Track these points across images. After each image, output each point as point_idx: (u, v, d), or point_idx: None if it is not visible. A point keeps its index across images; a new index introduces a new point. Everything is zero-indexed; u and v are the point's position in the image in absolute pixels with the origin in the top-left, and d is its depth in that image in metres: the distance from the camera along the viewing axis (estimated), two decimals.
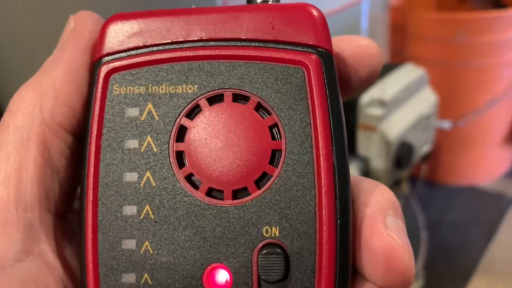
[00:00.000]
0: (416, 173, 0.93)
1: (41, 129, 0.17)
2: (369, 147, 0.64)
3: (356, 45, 0.18)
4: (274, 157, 0.16)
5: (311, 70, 0.16)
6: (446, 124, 1.10)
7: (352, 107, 0.62)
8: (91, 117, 0.17)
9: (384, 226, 0.15)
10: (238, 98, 0.17)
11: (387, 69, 0.69)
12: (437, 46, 1.19)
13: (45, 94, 0.17)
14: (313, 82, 0.16)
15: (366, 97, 0.62)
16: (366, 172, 0.66)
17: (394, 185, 0.69)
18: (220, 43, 0.17)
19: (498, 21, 1.14)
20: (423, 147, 0.72)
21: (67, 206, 0.18)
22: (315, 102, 0.16)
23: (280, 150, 0.16)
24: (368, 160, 0.65)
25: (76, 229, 0.18)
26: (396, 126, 0.64)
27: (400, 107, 0.65)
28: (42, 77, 0.18)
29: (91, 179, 0.17)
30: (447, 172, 1.39)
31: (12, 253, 0.16)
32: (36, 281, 0.16)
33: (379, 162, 0.64)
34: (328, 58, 0.17)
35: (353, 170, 0.66)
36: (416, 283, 0.91)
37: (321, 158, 0.16)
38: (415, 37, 1.20)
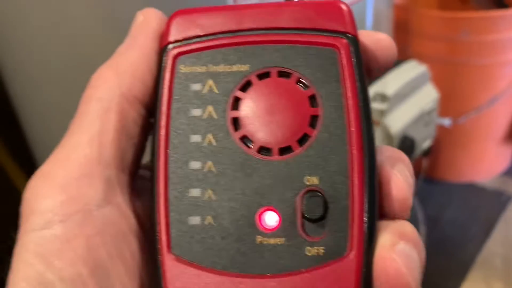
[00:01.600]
0: (415, 169, 0.95)
1: (120, 101, 0.20)
2: None
3: (376, 37, 0.21)
4: (313, 121, 0.20)
5: (342, 51, 0.20)
6: (446, 121, 1.11)
7: None
8: (160, 91, 0.21)
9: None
10: (282, 74, 0.20)
11: None
12: (440, 44, 1.20)
13: (123, 72, 0.21)
14: (343, 60, 0.20)
15: (369, 91, 0.63)
16: None
17: None
18: (267, 31, 0.21)
19: (501, 20, 1.15)
20: (424, 142, 0.73)
21: (137, 167, 0.22)
22: (345, 76, 0.20)
23: (318, 116, 0.20)
24: None
25: (142, 187, 0.21)
26: (398, 120, 0.65)
27: (403, 102, 0.66)
28: (118, 59, 0.21)
29: (162, 140, 0.20)
30: (447, 169, 1.40)
31: (96, 200, 0.19)
32: (114, 224, 0.19)
33: None
34: (355, 42, 0.20)
35: None
36: None
37: (351, 121, 0.19)
38: (418, 35, 1.21)
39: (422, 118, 0.69)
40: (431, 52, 1.20)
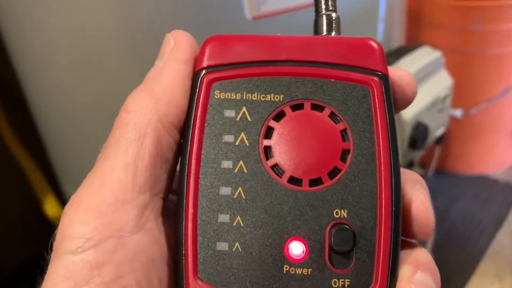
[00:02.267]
0: (428, 158, 0.93)
1: (156, 127, 0.20)
2: None
3: (399, 74, 0.22)
4: (343, 155, 0.20)
5: (374, 89, 0.21)
6: (458, 112, 1.10)
7: None
8: (193, 115, 0.21)
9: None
10: (315, 107, 0.21)
11: (405, 51, 0.69)
12: (452, 33, 1.19)
13: (159, 98, 0.21)
14: (376, 98, 0.20)
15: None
16: None
17: (407, 167, 0.70)
18: (302, 64, 0.21)
19: None
20: (437, 130, 0.72)
21: (170, 191, 0.22)
22: (377, 114, 0.20)
23: (349, 150, 0.20)
24: None
25: (173, 211, 0.21)
26: (412, 106, 0.64)
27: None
28: (153, 84, 0.21)
29: (193, 164, 0.20)
30: (458, 161, 1.39)
31: (129, 227, 0.19)
32: (145, 251, 0.19)
33: None
34: (386, 81, 0.21)
35: None
36: None
37: (381, 158, 0.20)
38: (431, 24, 1.20)
39: (436, 105, 0.68)
40: (443, 41, 1.19)
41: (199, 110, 0.21)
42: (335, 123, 0.21)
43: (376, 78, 0.21)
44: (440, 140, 0.74)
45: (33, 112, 0.78)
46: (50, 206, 0.89)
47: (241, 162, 0.20)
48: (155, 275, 0.19)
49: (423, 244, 1.05)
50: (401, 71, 0.22)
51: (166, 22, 0.56)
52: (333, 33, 0.23)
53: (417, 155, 0.71)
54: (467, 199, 1.31)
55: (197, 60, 0.22)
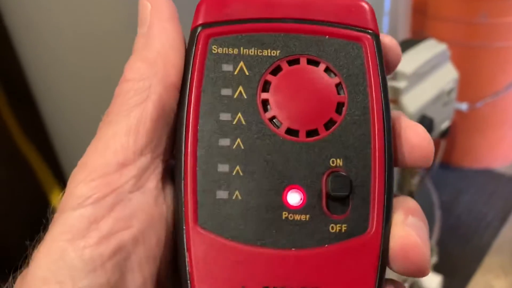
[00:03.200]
0: None
1: (157, 90, 0.20)
2: None
3: (385, 39, 0.23)
4: (338, 108, 0.21)
5: (367, 45, 0.22)
6: (463, 106, 1.10)
7: None
8: (191, 70, 0.21)
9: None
10: (311, 62, 0.22)
11: (410, 43, 0.69)
12: (458, 26, 1.18)
13: (155, 62, 0.21)
14: (368, 54, 0.21)
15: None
16: None
17: None
18: (297, 21, 0.22)
19: None
20: (442, 123, 0.72)
21: (171, 152, 0.22)
22: (370, 69, 0.21)
23: (343, 103, 0.21)
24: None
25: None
26: (417, 99, 0.64)
27: (422, 81, 0.65)
28: (144, 51, 0.22)
29: (191, 116, 0.21)
30: (463, 155, 1.38)
31: (128, 186, 0.19)
32: (143, 210, 0.20)
33: None
34: (377, 38, 0.22)
35: None
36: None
37: (374, 111, 0.21)
38: (436, 17, 1.19)
39: (441, 98, 0.68)
40: (448, 35, 1.18)
41: (197, 65, 0.21)
42: (330, 77, 0.21)
43: (368, 36, 0.22)
44: (445, 134, 0.73)
45: (40, 107, 0.78)
46: (57, 200, 0.90)
47: (239, 114, 0.21)
48: (153, 233, 0.20)
49: (429, 235, 1.05)
50: (385, 36, 0.23)
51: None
52: None
53: None
54: (473, 193, 1.31)
55: (194, 17, 0.22)
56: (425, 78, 0.66)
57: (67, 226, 0.19)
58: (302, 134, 0.21)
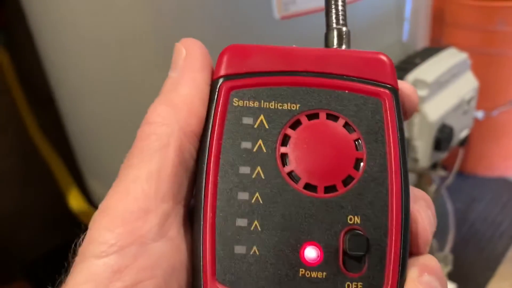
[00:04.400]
0: (451, 160, 0.93)
1: (178, 136, 0.21)
2: (410, 128, 0.65)
3: (403, 86, 0.23)
4: (357, 164, 0.21)
5: (386, 101, 0.22)
6: (479, 114, 1.09)
7: None
8: (212, 122, 0.21)
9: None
10: (330, 117, 0.22)
11: (431, 52, 0.69)
12: (475, 34, 1.17)
13: (179, 108, 0.21)
14: (387, 110, 0.22)
15: (409, 78, 0.62)
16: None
17: (432, 168, 0.70)
18: (317, 75, 0.22)
19: None
20: (461, 132, 0.72)
21: (191, 196, 0.22)
22: (389, 125, 0.21)
23: (362, 159, 0.21)
24: (408, 141, 0.66)
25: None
26: (437, 108, 0.64)
27: (442, 89, 0.65)
28: (171, 95, 0.22)
29: (212, 169, 0.21)
30: (478, 163, 1.38)
31: (151, 234, 0.19)
32: (166, 258, 0.20)
33: (419, 143, 0.65)
34: (396, 94, 0.22)
35: None
36: (444, 268, 0.92)
37: (392, 168, 0.21)
38: (453, 25, 1.19)
39: (461, 107, 0.68)
40: (466, 42, 1.18)
41: (218, 117, 0.21)
42: (349, 132, 0.21)
43: (387, 91, 0.22)
44: (464, 142, 0.73)
45: (59, 107, 0.79)
46: (73, 200, 0.91)
47: (258, 168, 0.21)
48: (175, 281, 0.20)
49: (442, 244, 1.05)
50: (403, 83, 0.23)
51: (194, 20, 0.57)
52: (344, 47, 0.24)
53: (441, 156, 0.71)
54: (487, 201, 1.30)
55: (215, 68, 0.22)
56: (445, 86, 0.66)
57: (90, 275, 0.19)
58: (321, 190, 0.21)
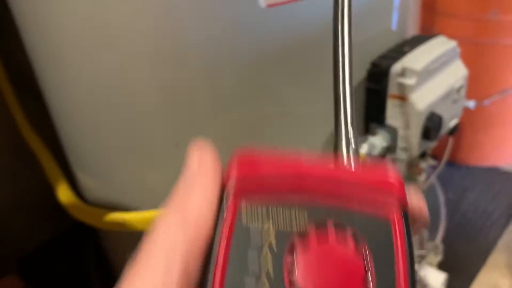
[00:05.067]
0: (440, 149, 0.93)
1: (185, 250, 0.21)
2: (398, 117, 0.64)
3: (413, 202, 0.24)
4: (366, 286, 0.21)
5: (396, 223, 0.22)
6: (470, 103, 1.09)
7: (383, 76, 0.62)
8: (219, 239, 0.21)
9: None
10: (339, 238, 0.21)
11: (420, 40, 0.68)
12: (467, 23, 1.17)
13: (189, 219, 0.21)
14: (397, 232, 0.21)
15: (397, 66, 0.62)
16: (394, 142, 0.66)
17: (420, 157, 0.69)
18: (328, 196, 0.22)
19: None
20: (451, 121, 0.72)
21: None
22: (398, 246, 0.21)
23: (371, 281, 0.21)
24: (396, 130, 0.65)
25: None
26: (426, 96, 0.63)
27: (431, 78, 0.64)
28: (183, 204, 0.22)
29: (217, 283, 0.21)
30: (469, 152, 1.38)
31: None
32: None
33: (407, 132, 0.64)
34: (406, 214, 0.22)
35: (381, 140, 0.67)
36: (435, 257, 0.92)
37: None
38: (445, 14, 1.18)
39: (450, 96, 0.68)
40: (458, 32, 1.17)
41: (225, 236, 0.21)
42: (358, 254, 0.21)
43: (397, 213, 0.22)
44: (453, 131, 0.73)
45: (46, 99, 0.78)
46: (62, 193, 0.90)
47: (264, 282, 0.21)
48: None
49: (434, 234, 1.05)
50: (415, 199, 0.24)
51: (179, 11, 0.56)
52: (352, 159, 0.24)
53: (430, 145, 0.70)
54: (479, 191, 1.31)
55: (226, 175, 0.23)
56: (434, 75, 0.65)
57: None
58: None
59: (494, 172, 1.37)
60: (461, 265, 1.08)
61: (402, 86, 0.62)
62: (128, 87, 0.62)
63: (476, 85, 1.19)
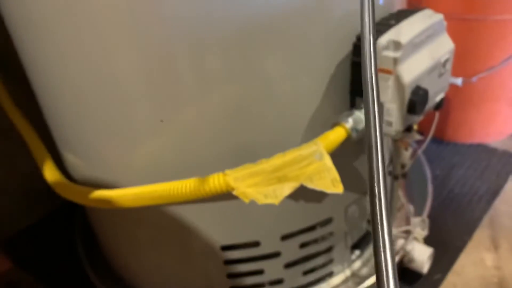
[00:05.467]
0: (426, 124, 0.93)
1: None
2: (384, 91, 0.64)
3: None
4: None
5: None
6: (458, 80, 1.09)
7: None
8: None
9: None
10: None
11: (406, 13, 0.67)
12: None
13: None
14: None
15: (383, 39, 0.61)
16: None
17: (406, 131, 0.69)
18: None
19: None
20: (437, 95, 0.72)
21: None
22: None
23: None
24: (382, 104, 0.65)
25: None
26: (412, 70, 0.63)
27: (417, 51, 0.64)
28: None
29: None
30: (457, 129, 1.38)
31: None
32: None
33: (393, 106, 0.64)
34: None
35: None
36: (421, 232, 0.93)
37: None
38: None
39: (436, 69, 0.67)
40: (446, 7, 1.16)
41: None
42: None
43: None
44: (439, 106, 0.73)
45: (31, 81, 0.77)
46: (48, 171, 0.89)
47: None
48: None
49: (420, 209, 1.06)
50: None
51: None
52: None
53: (416, 120, 0.70)
54: (467, 167, 1.32)
55: None
56: (420, 48, 0.65)
57: None
58: None
59: (482, 149, 1.38)
60: (447, 240, 1.10)
61: (387, 59, 0.62)
62: (112, 66, 0.62)
63: (464, 62, 1.18)
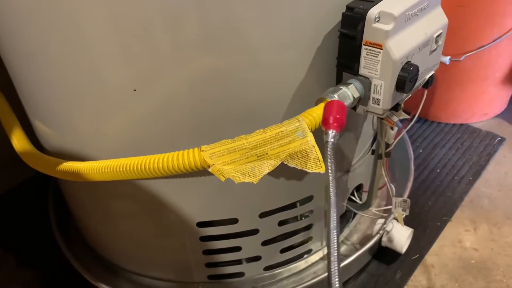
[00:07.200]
0: (415, 101, 0.90)
1: None
2: (373, 66, 0.60)
3: None
4: None
5: None
6: (446, 59, 1.06)
7: (359, 21, 0.58)
8: None
9: None
10: None
11: None
12: None
13: None
14: None
15: (374, 10, 0.57)
16: (367, 93, 0.63)
17: (393, 109, 0.66)
18: None
19: None
20: (428, 73, 0.68)
21: None
22: None
23: None
24: (370, 81, 0.62)
25: None
26: (403, 44, 0.59)
27: (410, 25, 0.60)
28: None
29: None
30: (441, 108, 1.37)
31: None
32: None
33: (382, 82, 0.61)
34: None
35: (354, 90, 0.63)
36: (402, 213, 0.91)
37: None
38: None
39: (428, 45, 0.64)
40: None
41: None
42: None
43: None
44: (429, 84, 0.70)
45: (1, 49, 0.72)
46: (16, 140, 0.85)
47: None
48: None
49: (401, 190, 1.04)
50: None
51: None
52: None
53: (404, 98, 0.67)
54: (449, 147, 1.30)
55: None
56: (413, 21, 0.61)
57: None
58: None
59: (466, 129, 1.37)
60: (426, 220, 1.09)
61: (378, 32, 0.58)
62: (84, 33, 0.57)
63: (451, 40, 1.15)
